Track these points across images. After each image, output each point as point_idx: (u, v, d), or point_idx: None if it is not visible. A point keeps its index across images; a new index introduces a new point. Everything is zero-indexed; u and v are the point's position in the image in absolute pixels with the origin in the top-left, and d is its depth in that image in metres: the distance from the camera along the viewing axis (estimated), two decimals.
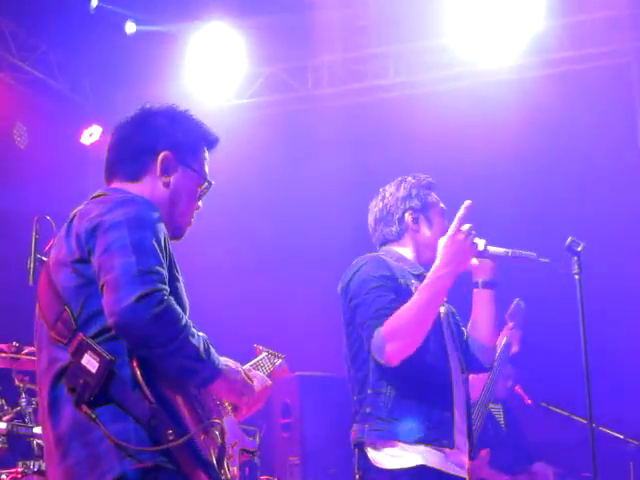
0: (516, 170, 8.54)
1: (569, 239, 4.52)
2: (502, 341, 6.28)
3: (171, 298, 2.64)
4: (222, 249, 9.27)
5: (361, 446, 3.71)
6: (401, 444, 3.64)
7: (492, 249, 3.99)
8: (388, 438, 3.65)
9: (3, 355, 5.68)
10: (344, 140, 8.97)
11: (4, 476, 5.36)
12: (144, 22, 9.02)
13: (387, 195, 4.15)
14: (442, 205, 4.17)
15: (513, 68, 8.85)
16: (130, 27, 9.00)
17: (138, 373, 2.59)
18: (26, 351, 5.68)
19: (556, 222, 8.05)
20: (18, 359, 5.70)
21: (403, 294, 3.77)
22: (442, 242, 3.71)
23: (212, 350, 2.76)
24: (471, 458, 3.91)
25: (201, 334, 2.74)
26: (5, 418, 5.72)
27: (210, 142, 3.19)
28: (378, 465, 3.65)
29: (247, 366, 3.14)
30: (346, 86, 9.56)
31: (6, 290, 7.73)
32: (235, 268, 9.41)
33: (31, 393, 5.81)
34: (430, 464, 3.63)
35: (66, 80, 9.71)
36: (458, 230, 3.67)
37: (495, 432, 7.49)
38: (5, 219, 8.30)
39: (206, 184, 3.13)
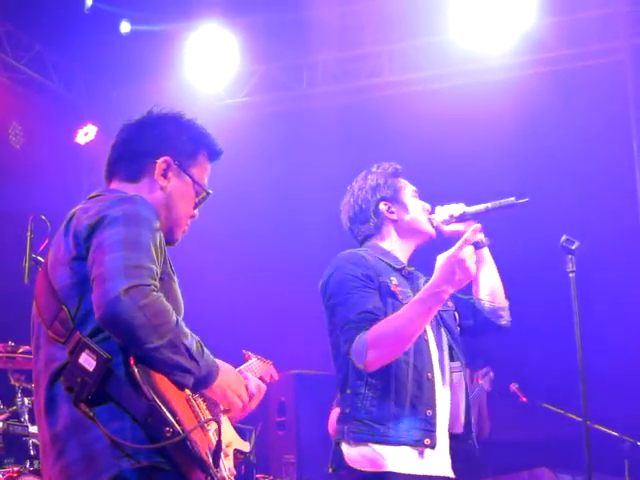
0: (510, 168, 8.55)
1: (563, 237, 4.54)
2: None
3: (160, 294, 2.62)
4: (218, 248, 9.28)
5: (339, 442, 3.68)
6: (376, 446, 3.60)
7: (471, 209, 3.99)
8: (364, 440, 3.61)
9: None
10: (339, 138, 8.98)
11: (0, 475, 5.36)
12: (138, 22, 9.02)
13: (356, 191, 4.07)
14: (413, 187, 4.10)
15: (508, 66, 8.86)
16: (125, 27, 9.00)
17: (136, 371, 2.58)
18: (22, 350, 5.69)
19: (550, 220, 8.07)
20: (14, 358, 5.71)
21: (384, 294, 3.72)
22: (442, 258, 3.55)
23: (207, 352, 2.75)
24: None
25: (195, 336, 2.72)
26: (1, 417, 5.73)
27: (213, 153, 3.20)
28: (350, 464, 3.61)
29: (238, 369, 3.14)
30: (341, 84, 9.57)
31: (1, 290, 7.73)
32: (231, 267, 9.42)
33: (27, 392, 5.82)
34: (401, 470, 3.58)
35: (61, 80, 9.71)
36: (461, 249, 3.52)
37: None
38: (0, 218, 8.30)
39: (204, 194, 3.14)
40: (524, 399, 7.79)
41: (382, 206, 4.00)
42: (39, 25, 8.89)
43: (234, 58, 9.41)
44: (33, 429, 5.59)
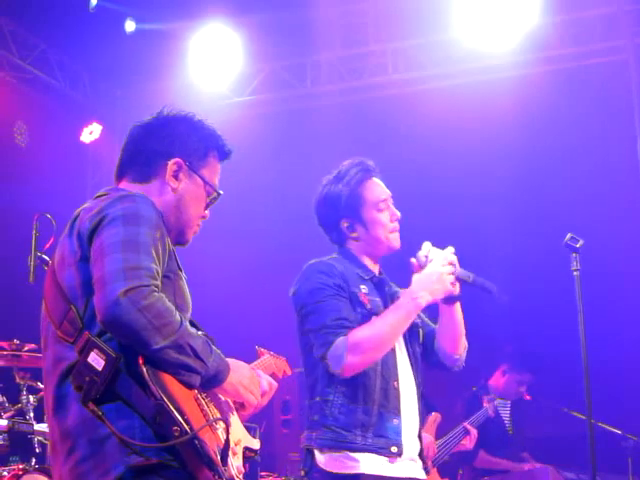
0: (515, 167, 8.55)
1: (568, 235, 4.55)
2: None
3: (162, 294, 2.62)
4: (221, 247, 9.28)
5: (309, 449, 3.72)
6: (346, 452, 3.64)
7: (459, 271, 3.89)
8: (333, 447, 3.65)
9: (4, 353, 5.71)
10: (343, 136, 8.97)
11: (5, 473, 5.38)
12: (143, 20, 9.03)
13: (322, 197, 4.01)
14: (383, 194, 3.97)
15: (512, 64, 8.86)
16: (129, 25, 9.02)
17: (144, 370, 2.58)
18: (27, 349, 5.71)
19: (554, 218, 8.07)
20: (19, 356, 5.73)
21: (353, 303, 3.73)
22: (420, 272, 3.71)
23: (216, 350, 2.75)
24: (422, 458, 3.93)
25: (200, 333, 2.73)
26: (6, 415, 5.74)
27: (223, 153, 3.20)
28: (322, 467, 3.65)
29: (250, 366, 3.14)
30: (344, 83, 9.57)
31: (7, 288, 7.75)
32: (235, 266, 9.42)
33: (32, 390, 5.84)
34: (372, 472, 3.63)
35: (66, 79, 9.72)
36: (441, 264, 3.70)
37: (500, 426, 7.58)
38: (5, 217, 8.32)
39: (215, 194, 3.15)
40: (528, 397, 7.80)
41: (343, 223, 3.95)
42: (44, 24, 8.90)
43: (238, 57, 9.42)
44: (38, 427, 5.61)
